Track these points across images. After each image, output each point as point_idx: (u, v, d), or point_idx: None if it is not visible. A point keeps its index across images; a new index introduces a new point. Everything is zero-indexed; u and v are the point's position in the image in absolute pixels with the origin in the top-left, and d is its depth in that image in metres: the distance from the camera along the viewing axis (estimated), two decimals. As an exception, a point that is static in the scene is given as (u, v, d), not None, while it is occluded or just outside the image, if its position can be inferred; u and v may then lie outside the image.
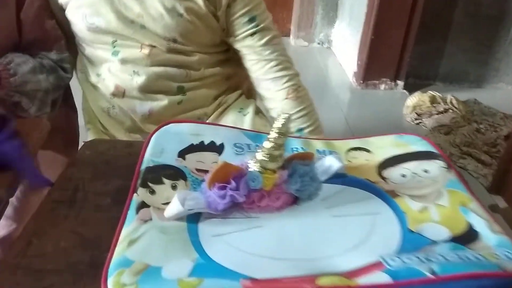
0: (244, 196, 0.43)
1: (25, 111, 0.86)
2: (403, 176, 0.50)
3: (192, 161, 0.52)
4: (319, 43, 2.93)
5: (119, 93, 0.91)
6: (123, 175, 0.57)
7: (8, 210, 0.97)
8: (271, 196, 0.45)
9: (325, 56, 2.80)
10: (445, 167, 0.51)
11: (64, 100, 1.00)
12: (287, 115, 0.45)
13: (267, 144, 0.45)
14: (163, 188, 0.47)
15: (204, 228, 0.42)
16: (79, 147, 0.65)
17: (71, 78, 0.96)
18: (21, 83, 0.83)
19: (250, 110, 0.98)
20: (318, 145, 0.57)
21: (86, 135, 1.02)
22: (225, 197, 0.43)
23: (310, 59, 2.73)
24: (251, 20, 0.91)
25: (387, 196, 0.47)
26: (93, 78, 0.94)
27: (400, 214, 0.45)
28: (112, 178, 0.57)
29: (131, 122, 0.94)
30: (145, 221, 0.42)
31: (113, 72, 0.90)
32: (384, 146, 0.56)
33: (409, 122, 2.07)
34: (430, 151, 0.54)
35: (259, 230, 0.43)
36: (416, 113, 2.05)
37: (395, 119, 2.09)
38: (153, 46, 0.88)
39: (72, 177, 0.57)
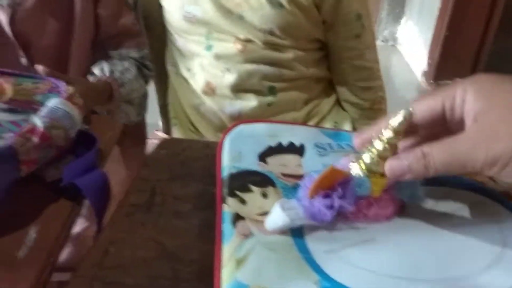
0: (352, 205, 0.38)
1: (129, 119, 0.87)
2: None
3: (275, 165, 0.47)
4: (383, 41, 2.81)
5: (210, 90, 0.89)
6: (202, 178, 0.53)
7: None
8: (380, 204, 0.39)
9: (390, 55, 2.68)
10: None
11: None
12: (408, 111, 0.36)
13: (378, 145, 0.37)
14: (253, 197, 0.42)
15: (313, 243, 0.37)
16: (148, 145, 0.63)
17: (153, 74, 0.95)
18: (129, 91, 0.84)
19: (347, 126, 0.93)
20: None
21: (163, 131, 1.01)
22: (332, 207, 0.37)
23: (374, 57, 2.62)
24: (358, 18, 0.87)
25: (505, 200, 0.42)
26: (184, 72, 0.93)
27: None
28: (190, 181, 0.52)
29: (220, 121, 0.92)
30: (247, 236, 0.37)
31: (204, 67, 0.88)
32: None
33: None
34: None
35: (374, 244, 0.37)
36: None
37: None
38: (247, 41, 0.85)
39: (149, 178, 0.52)
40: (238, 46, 0.85)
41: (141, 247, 0.43)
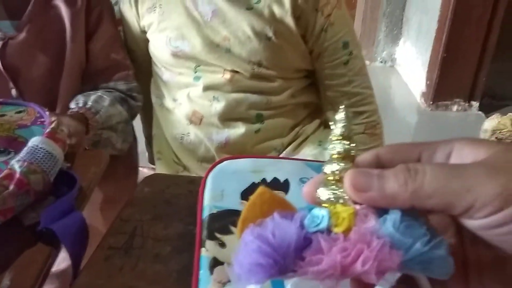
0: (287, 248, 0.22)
1: (113, 146, 0.86)
2: None
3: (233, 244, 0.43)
4: (381, 62, 2.81)
5: (197, 119, 0.88)
6: (184, 217, 0.51)
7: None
8: (348, 247, 0.21)
9: (389, 76, 2.67)
10: None
11: None
12: (342, 109, 0.26)
13: (329, 167, 0.25)
14: (234, 239, 0.41)
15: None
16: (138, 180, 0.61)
17: (141, 105, 0.95)
18: (106, 118, 0.83)
19: None
20: None
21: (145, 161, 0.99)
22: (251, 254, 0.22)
23: (373, 78, 2.59)
24: (345, 46, 0.86)
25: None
26: (169, 103, 0.92)
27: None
28: (172, 221, 0.51)
29: (205, 150, 0.91)
30: (224, 284, 0.36)
31: (192, 97, 0.88)
32: None
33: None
34: None
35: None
36: (496, 138, 1.87)
37: None
38: (235, 72, 0.84)
39: (130, 218, 0.51)
40: (227, 76, 0.85)
41: (117, 295, 0.41)
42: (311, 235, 0.22)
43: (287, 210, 0.24)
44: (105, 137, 0.85)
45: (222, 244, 0.41)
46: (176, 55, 0.85)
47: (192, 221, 0.44)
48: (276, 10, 0.80)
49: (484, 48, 2.00)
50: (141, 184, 0.58)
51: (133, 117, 0.94)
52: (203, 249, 0.40)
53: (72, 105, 0.84)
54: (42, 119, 0.61)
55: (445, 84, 2.10)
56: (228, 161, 0.52)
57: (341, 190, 0.23)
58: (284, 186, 0.49)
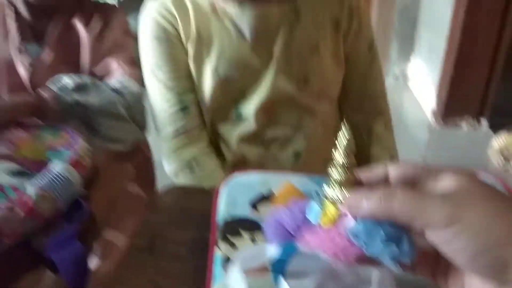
0: (294, 225, 0.37)
1: (126, 135, 0.90)
2: None
3: (265, 212, 0.52)
4: (394, 78, 2.86)
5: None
6: (199, 224, 0.58)
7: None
8: (327, 236, 0.32)
9: (401, 92, 2.72)
10: None
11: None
12: (344, 125, 0.34)
13: (334, 172, 0.34)
14: (243, 242, 0.48)
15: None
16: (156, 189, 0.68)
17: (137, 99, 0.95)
18: (87, 102, 0.84)
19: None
20: None
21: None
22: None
23: (385, 94, 2.67)
24: (370, 46, 0.90)
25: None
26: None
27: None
28: (188, 227, 0.58)
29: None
30: None
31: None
32: None
33: (496, 165, 1.92)
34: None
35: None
36: (503, 156, 1.90)
37: (479, 161, 1.95)
38: (278, 91, 0.84)
39: (153, 223, 0.59)
40: (270, 95, 0.85)
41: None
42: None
43: (299, 198, 0.41)
44: (111, 126, 0.86)
45: (233, 245, 0.48)
46: (220, 82, 0.86)
47: (206, 227, 0.51)
48: None
49: (493, 67, 2.04)
50: (162, 194, 0.66)
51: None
52: (217, 249, 0.47)
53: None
54: (73, 145, 0.66)
55: (455, 102, 2.14)
56: (239, 174, 0.59)
57: (340, 196, 0.33)
58: (288, 197, 0.55)
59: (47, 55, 0.95)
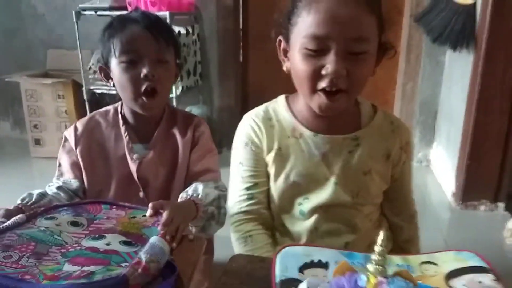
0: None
1: (217, 220, 1.10)
2: (464, 285, 0.65)
3: (309, 275, 0.68)
4: (417, 162, 3.04)
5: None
6: (260, 284, 0.74)
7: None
8: None
9: (424, 175, 2.87)
10: (495, 279, 0.65)
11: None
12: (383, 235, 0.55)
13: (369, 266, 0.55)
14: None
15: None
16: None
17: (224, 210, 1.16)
18: (205, 196, 1.06)
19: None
20: (398, 260, 0.73)
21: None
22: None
23: (409, 177, 2.80)
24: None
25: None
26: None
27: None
28: (252, 287, 0.74)
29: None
30: None
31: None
32: (448, 261, 0.71)
33: (510, 245, 2.05)
34: (482, 266, 0.68)
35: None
36: (517, 237, 2.04)
37: (495, 241, 2.08)
38: (336, 198, 1.00)
39: (225, 284, 0.77)
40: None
41: None
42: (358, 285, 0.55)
43: (352, 272, 0.57)
44: (210, 211, 1.06)
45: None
46: (290, 186, 1.05)
47: (266, 286, 0.68)
48: None
49: (505, 155, 2.21)
50: (229, 261, 0.88)
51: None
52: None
53: (183, 194, 1.07)
54: (158, 222, 0.85)
55: (471, 188, 2.29)
56: (289, 247, 0.75)
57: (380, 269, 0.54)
58: (325, 265, 0.70)
59: (151, 154, 1.16)
